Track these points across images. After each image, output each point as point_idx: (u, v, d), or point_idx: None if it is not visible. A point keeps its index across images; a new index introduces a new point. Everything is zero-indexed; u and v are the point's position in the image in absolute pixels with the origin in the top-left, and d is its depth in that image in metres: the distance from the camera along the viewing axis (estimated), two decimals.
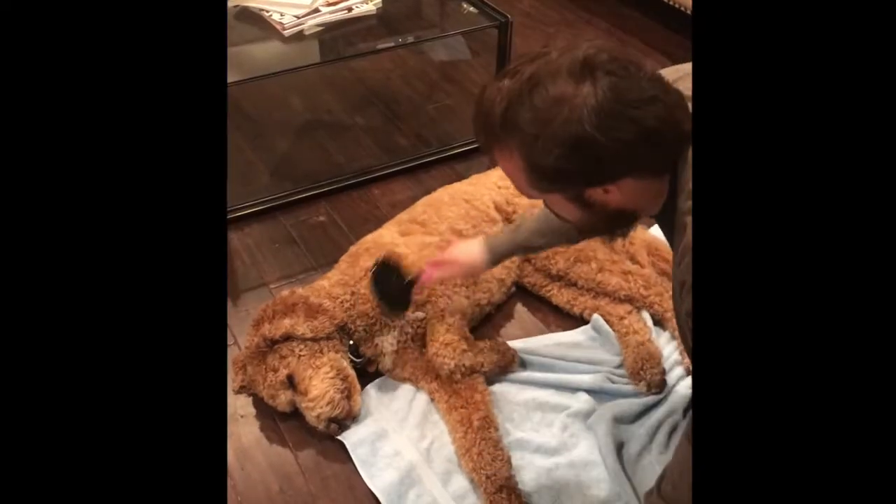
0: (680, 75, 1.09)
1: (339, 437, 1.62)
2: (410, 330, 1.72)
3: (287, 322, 1.62)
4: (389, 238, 1.82)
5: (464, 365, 1.63)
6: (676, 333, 1.78)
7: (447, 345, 1.64)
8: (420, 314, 1.72)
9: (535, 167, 0.97)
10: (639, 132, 0.92)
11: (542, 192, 1.04)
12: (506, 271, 1.89)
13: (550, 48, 0.98)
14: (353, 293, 1.71)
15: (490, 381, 1.69)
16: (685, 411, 1.62)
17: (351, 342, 1.71)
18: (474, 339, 1.72)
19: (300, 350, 1.62)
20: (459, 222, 1.88)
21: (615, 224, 1.09)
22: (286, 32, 2.23)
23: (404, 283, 1.56)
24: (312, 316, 1.64)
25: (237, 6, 2.34)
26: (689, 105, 0.99)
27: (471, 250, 1.53)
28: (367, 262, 1.74)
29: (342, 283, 1.73)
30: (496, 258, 1.54)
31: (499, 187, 1.99)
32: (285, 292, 1.72)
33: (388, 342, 1.72)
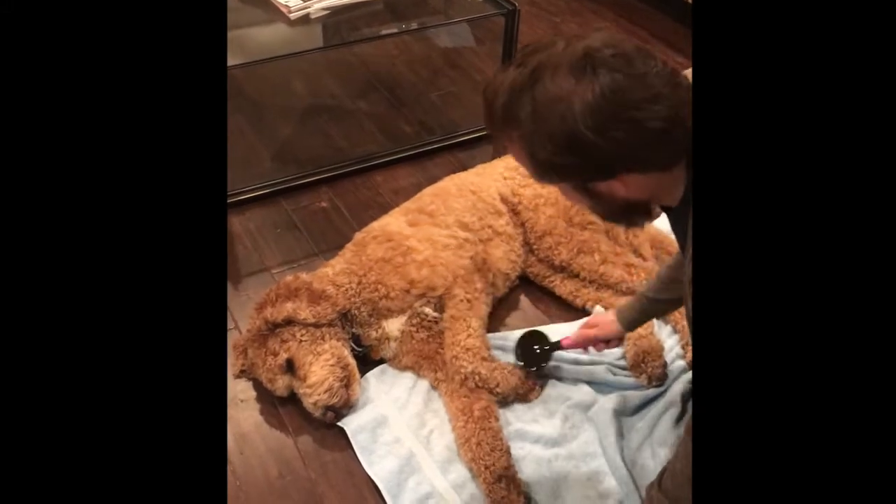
0: None
1: (339, 424, 1.62)
2: (417, 320, 1.72)
3: (290, 306, 1.62)
4: (397, 227, 1.81)
5: (479, 373, 1.61)
6: (678, 327, 1.78)
7: (468, 349, 1.64)
8: (428, 310, 1.72)
9: (535, 159, 0.98)
10: (636, 132, 0.91)
11: (548, 182, 1.05)
12: (511, 265, 1.90)
13: (559, 38, 0.98)
14: (359, 282, 1.71)
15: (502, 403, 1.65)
16: (684, 401, 1.62)
17: (353, 331, 1.71)
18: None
19: (302, 335, 1.62)
20: (466, 214, 1.87)
21: (629, 214, 1.08)
22: (291, 16, 2.22)
23: (545, 348, 1.67)
24: (315, 301, 1.64)
25: None
26: None
27: (607, 319, 1.56)
28: (374, 251, 1.74)
29: (347, 272, 1.73)
30: (627, 324, 1.54)
31: (504, 178, 1.98)
32: (289, 277, 1.71)
33: (394, 326, 1.72)
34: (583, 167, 0.96)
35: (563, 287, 1.90)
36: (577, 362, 1.72)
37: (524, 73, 0.95)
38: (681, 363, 1.71)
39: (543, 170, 1.00)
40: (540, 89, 0.93)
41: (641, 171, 0.98)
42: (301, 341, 1.62)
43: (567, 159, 0.95)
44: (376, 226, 1.85)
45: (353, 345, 1.70)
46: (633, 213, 1.08)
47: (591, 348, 1.62)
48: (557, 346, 1.65)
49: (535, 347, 1.67)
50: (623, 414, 1.61)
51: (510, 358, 1.72)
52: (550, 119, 0.92)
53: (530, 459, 1.54)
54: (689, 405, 1.63)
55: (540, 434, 1.58)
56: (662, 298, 1.46)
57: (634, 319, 1.53)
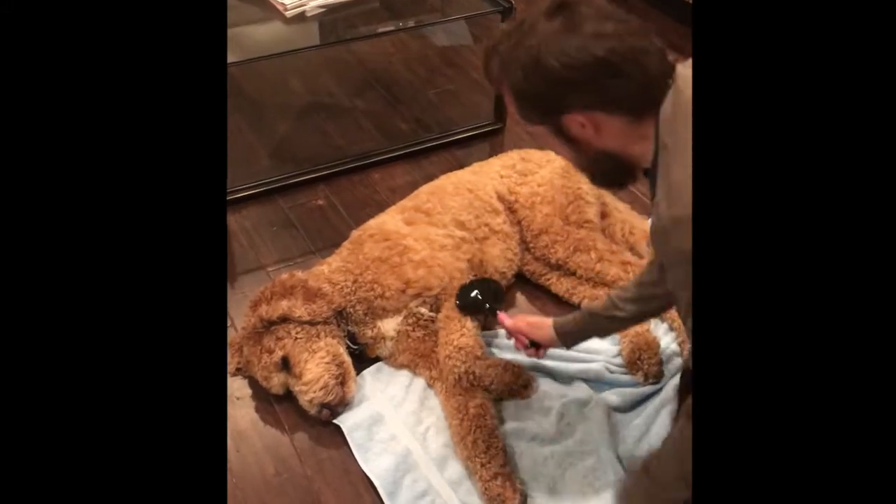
0: None
1: (335, 421, 1.62)
2: (413, 319, 1.72)
3: (285, 304, 1.62)
4: (394, 226, 1.81)
5: (473, 373, 1.60)
6: (674, 325, 1.78)
7: (461, 349, 1.63)
8: (424, 310, 1.72)
9: (512, 89, 1.09)
10: (588, 60, 1.01)
11: (530, 123, 1.13)
12: (507, 263, 1.90)
13: None
14: (355, 281, 1.71)
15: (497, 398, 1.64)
16: (679, 392, 1.62)
17: (349, 329, 1.71)
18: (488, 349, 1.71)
19: (297, 333, 1.62)
20: (463, 213, 1.87)
21: (611, 169, 1.14)
22: (288, 13, 2.22)
23: (486, 305, 1.68)
24: (311, 299, 1.64)
25: None
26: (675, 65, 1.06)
27: (543, 323, 1.54)
28: (371, 250, 1.74)
29: (343, 270, 1.73)
30: (563, 337, 1.51)
31: (501, 177, 1.98)
32: (284, 275, 1.72)
33: (389, 326, 1.72)
34: (547, 95, 1.06)
35: (559, 285, 1.90)
36: (573, 360, 1.72)
37: (513, 22, 1.11)
38: (677, 360, 1.71)
39: (520, 101, 1.10)
40: (519, 31, 1.07)
41: (605, 110, 1.05)
42: (296, 339, 1.61)
43: (535, 87, 1.06)
44: (373, 224, 1.85)
45: (348, 342, 1.70)
46: (615, 170, 1.14)
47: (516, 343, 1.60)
48: (495, 313, 1.66)
49: (481, 299, 1.68)
50: (619, 411, 1.62)
51: (506, 355, 1.72)
52: (522, 50, 1.05)
53: (527, 457, 1.54)
54: (680, 392, 1.63)
55: (536, 431, 1.58)
56: (606, 315, 1.44)
57: (572, 333, 1.50)
